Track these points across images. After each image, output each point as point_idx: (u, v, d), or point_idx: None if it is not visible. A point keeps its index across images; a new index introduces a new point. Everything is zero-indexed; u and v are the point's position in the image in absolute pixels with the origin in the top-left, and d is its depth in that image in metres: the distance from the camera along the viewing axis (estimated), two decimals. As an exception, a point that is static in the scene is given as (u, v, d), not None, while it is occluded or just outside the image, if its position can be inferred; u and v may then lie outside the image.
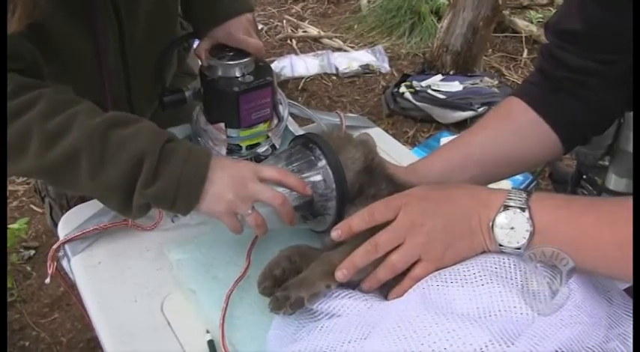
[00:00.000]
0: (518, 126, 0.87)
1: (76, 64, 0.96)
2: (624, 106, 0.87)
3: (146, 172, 0.75)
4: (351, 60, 3.40)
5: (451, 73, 3.05)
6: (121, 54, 1.00)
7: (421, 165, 0.90)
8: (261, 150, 1.04)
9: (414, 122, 2.91)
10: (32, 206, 2.39)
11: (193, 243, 0.87)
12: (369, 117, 2.77)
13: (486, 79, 2.97)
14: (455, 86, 2.89)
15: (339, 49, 3.58)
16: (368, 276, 0.69)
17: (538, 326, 0.58)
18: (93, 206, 0.93)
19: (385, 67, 3.37)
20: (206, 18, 1.02)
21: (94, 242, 0.90)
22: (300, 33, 3.78)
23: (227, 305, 0.75)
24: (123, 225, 0.90)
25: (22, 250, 2.21)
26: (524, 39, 3.58)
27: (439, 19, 3.53)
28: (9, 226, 2.02)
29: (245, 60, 0.98)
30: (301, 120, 1.13)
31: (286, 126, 1.07)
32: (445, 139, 2.61)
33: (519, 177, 2.15)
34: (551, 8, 3.79)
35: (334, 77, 3.33)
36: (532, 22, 3.71)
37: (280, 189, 0.78)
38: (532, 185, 1.97)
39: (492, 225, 0.66)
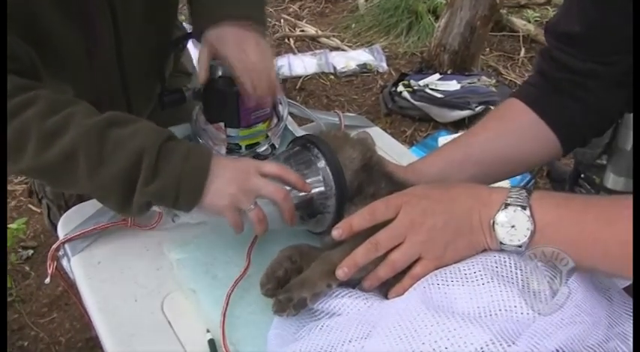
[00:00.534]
0: (518, 127, 0.87)
1: (72, 63, 0.95)
2: (624, 108, 0.88)
3: (145, 170, 0.74)
4: (348, 59, 3.40)
5: (449, 72, 3.06)
6: (117, 53, 1.00)
7: (421, 164, 0.90)
8: (260, 149, 1.04)
9: (412, 121, 2.92)
10: (30, 206, 2.38)
11: (193, 243, 0.87)
12: (367, 116, 2.76)
13: (484, 78, 2.97)
14: (452, 85, 2.89)
15: (337, 49, 3.58)
16: (369, 275, 0.69)
17: (538, 325, 0.58)
18: (93, 205, 0.92)
19: (383, 66, 3.37)
20: (204, 14, 1.00)
21: (93, 241, 0.89)
22: (297, 32, 3.77)
23: (227, 304, 0.75)
24: (123, 224, 0.90)
25: (20, 250, 2.21)
26: (521, 38, 3.58)
27: (436, 18, 3.53)
28: (7, 226, 2.01)
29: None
30: (300, 120, 1.14)
31: (286, 125, 1.07)
32: (443, 138, 2.61)
33: (517, 176, 2.15)
34: (548, 7, 3.80)
35: (332, 76, 3.33)
36: (529, 21, 3.72)
37: None
38: (530, 183, 1.97)
39: (493, 223, 0.66)
